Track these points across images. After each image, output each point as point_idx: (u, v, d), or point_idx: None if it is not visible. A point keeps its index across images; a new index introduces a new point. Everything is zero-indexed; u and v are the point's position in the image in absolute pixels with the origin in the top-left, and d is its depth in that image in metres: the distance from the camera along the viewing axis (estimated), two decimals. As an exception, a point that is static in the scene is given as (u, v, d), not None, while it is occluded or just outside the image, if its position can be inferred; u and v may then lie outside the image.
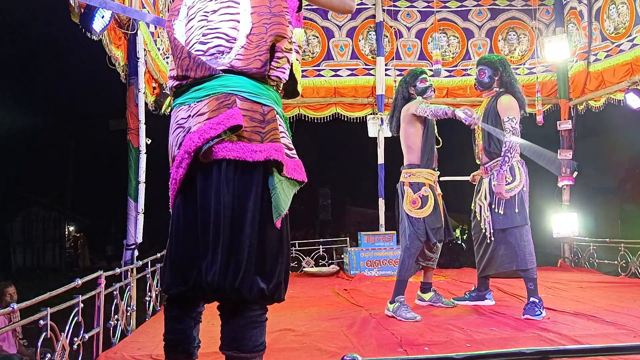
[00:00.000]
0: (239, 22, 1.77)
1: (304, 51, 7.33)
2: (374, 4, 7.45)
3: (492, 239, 3.86)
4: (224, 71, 1.75)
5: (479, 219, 3.99)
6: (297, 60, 1.92)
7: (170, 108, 2.06)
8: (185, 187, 1.79)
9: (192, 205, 1.78)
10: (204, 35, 1.79)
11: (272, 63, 1.77)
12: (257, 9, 1.78)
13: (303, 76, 7.02)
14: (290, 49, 1.82)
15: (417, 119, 3.89)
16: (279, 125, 1.80)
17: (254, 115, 1.74)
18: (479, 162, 4.05)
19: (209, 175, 1.72)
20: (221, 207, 1.68)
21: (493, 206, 3.81)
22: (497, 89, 3.95)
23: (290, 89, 2.01)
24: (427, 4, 7.52)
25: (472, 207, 4.15)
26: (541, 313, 3.53)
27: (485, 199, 3.91)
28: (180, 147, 1.74)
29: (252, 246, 1.68)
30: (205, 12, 1.82)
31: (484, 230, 3.93)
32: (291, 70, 1.90)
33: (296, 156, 1.86)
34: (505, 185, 3.72)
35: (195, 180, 1.76)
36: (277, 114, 1.81)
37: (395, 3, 7.52)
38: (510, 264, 3.77)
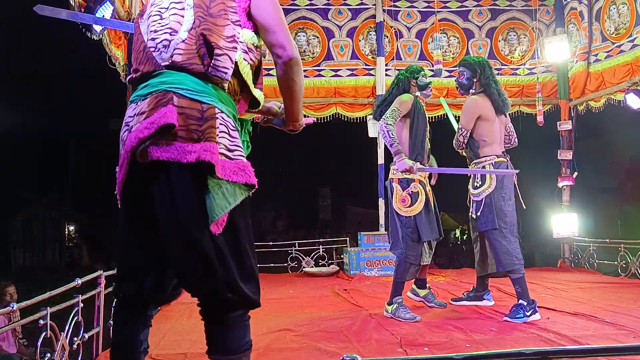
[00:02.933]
0: (183, 16, 1.75)
1: (304, 51, 7.32)
2: (374, 4, 7.45)
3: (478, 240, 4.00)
4: (167, 67, 1.71)
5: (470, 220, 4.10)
6: (244, 60, 1.77)
7: None
8: (131, 187, 1.74)
9: (138, 207, 1.74)
10: (155, 31, 1.77)
11: (213, 61, 1.69)
12: (198, 2, 1.75)
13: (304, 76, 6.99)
14: (233, 48, 1.72)
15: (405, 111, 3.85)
16: (220, 124, 1.69)
17: (192, 113, 1.66)
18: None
19: (149, 178, 1.67)
20: (165, 211, 1.64)
21: (470, 210, 3.90)
22: (474, 91, 3.93)
23: (249, 97, 1.88)
24: (427, 4, 7.52)
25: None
26: (524, 316, 3.42)
27: (469, 202, 3.99)
28: (123, 146, 1.70)
29: (192, 254, 1.62)
30: (160, 8, 1.81)
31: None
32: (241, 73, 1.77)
33: (242, 157, 1.73)
34: (474, 189, 3.81)
35: (140, 182, 1.71)
36: (221, 112, 1.71)
37: (395, 3, 7.52)
38: (495, 266, 3.83)
